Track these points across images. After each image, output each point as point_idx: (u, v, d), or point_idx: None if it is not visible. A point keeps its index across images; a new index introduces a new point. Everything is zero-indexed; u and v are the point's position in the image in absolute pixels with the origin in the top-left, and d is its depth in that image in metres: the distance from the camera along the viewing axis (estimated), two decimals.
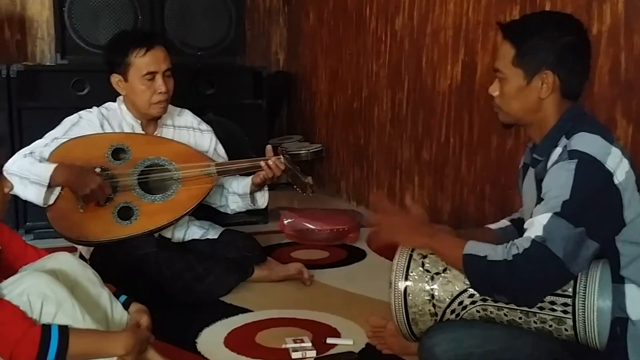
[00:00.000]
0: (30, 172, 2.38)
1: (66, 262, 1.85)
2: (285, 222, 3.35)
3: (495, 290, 1.58)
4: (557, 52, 1.65)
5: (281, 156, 2.59)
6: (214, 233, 2.78)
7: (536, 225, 1.54)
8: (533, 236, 1.52)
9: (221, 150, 2.84)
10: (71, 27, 3.44)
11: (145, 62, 2.56)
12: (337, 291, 2.68)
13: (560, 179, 1.56)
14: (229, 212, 2.81)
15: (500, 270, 1.52)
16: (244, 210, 2.80)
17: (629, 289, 1.66)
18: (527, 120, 1.75)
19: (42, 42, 4.24)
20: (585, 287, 1.55)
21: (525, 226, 1.61)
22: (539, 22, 1.71)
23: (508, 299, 1.60)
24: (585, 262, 1.55)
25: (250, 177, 2.65)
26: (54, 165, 2.39)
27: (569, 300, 1.56)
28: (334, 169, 4.44)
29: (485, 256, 1.55)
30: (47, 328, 1.59)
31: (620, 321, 1.64)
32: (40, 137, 2.55)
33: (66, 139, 2.51)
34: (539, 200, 1.65)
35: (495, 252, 1.55)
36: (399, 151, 3.66)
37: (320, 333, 2.21)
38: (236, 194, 2.72)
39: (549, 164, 1.66)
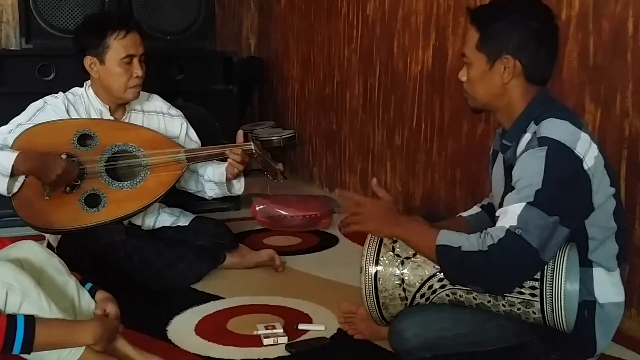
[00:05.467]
0: None
1: (31, 250, 1.82)
2: (257, 208, 3.34)
3: (470, 280, 1.59)
4: (518, 37, 1.65)
5: (251, 142, 2.57)
6: (184, 220, 2.75)
7: (510, 215, 1.53)
8: (507, 226, 1.52)
9: (193, 134, 2.80)
10: (36, 11, 3.36)
11: (124, 44, 2.53)
12: (309, 277, 2.68)
13: (531, 167, 1.57)
14: (207, 197, 2.78)
15: (476, 261, 1.53)
16: (221, 196, 2.79)
17: (597, 272, 1.68)
18: (494, 106, 1.75)
19: (7, 26, 4.14)
20: (553, 271, 1.56)
21: (497, 214, 1.61)
22: (503, 7, 1.71)
23: (482, 289, 1.60)
24: (556, 248, 1.56)
25: (225, 167, 2.62)
26: (15, 154, 2.32)
27: (536, 284, 1.58)
28: (306, 155, 4.43)
29: (459, 247, 1.55)
30: (12, 318, 1.57)
31: (587, 304, 1.67)
32: (5, 124, 2.49)
33: (31, 125, 2.46)
34: (508, 186, 1.66)
35: (470, 243, 1.55)
36: (371, 137, 3.66)
37: (292, 319, 2.20)
38: (212, 182, 2.70)
39: (519, 149, 1.66)
